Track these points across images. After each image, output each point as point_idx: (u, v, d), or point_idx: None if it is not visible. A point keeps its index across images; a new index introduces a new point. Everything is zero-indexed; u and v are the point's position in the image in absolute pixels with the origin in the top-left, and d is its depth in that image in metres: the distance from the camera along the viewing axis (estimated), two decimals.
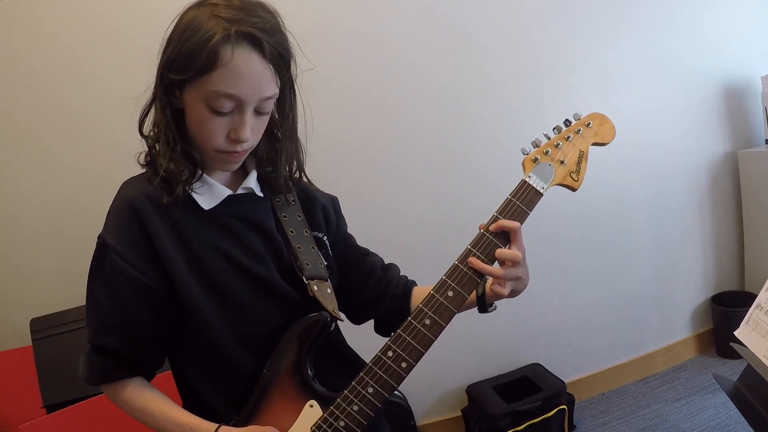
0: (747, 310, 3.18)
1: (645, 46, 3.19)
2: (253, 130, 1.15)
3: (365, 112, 2.83)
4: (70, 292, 2.58)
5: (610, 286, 3.29)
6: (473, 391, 3.00)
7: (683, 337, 3.52)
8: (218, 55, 1.04)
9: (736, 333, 1.47)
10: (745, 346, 1.45)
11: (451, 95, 2.93)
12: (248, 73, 1.07)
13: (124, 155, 2.63)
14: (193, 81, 1.08)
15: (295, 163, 1.32)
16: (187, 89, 1.11)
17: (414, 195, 2.93)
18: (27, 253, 2.70)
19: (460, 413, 3.10)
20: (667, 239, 3.39)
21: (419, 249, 2.78)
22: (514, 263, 1.19)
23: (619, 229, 3.26)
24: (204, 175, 1.21)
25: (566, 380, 2.99)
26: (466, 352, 3.02)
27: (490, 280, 1.24)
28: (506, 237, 1.20)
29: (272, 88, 1.13)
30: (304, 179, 1.36)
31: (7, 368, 2.57)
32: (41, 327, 2.47)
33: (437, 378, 3.03)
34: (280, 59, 1.13)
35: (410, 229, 2.90)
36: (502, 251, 1.18)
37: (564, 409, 2.80)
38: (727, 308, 3.41)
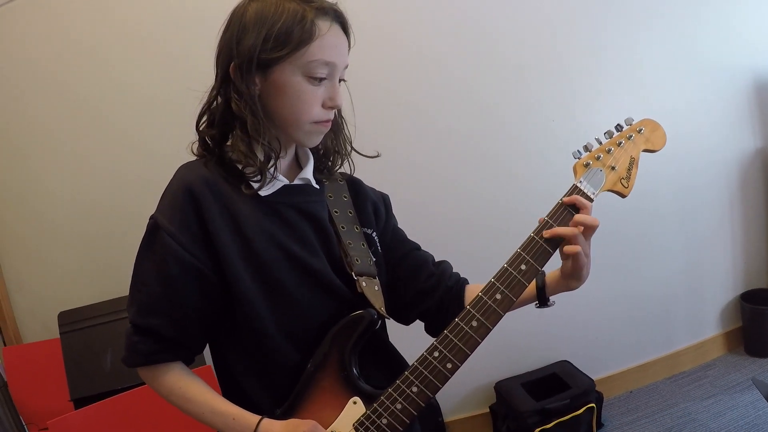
0: None
1: (675, 41, 3.14)
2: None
3: (395, 113, 2.83)
4: (97, 287, 2.62)
5: (638, 282, 3.27)
6: (502, 388, 2.99)
7: (712, 335, 3.48)
8: (316, 27, 1.14)
9: None
10: None
11: (479, 93, 2.91)
12: (338, 42, 1.19)
13: (148, 156, 2.67)
14: (290, 55, 1.14)
15: (346, 145, 1.37)
16: (281, 66, 1.15)
17: (442, 195, 2.93)
18: (56, 249, 2.75)
19: (488, 410, 3.10)
20: (696, 236, 3.35)
21: (447, 247, 2.75)
22: (590, 229, 1.20)
23: (649, 225, 3.23)
24: (277, 160, 1.22)
25: (594, 377, 2.97)
26: (495, 348, 2.97)
27: (548, 274, 1.28)
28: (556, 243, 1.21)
29: (348, 58, 1.24)
30: (351, 165, 1.41)
31: (35, 360, 2.61)
32: (69, 320, 2.50)
33: (466, 374, 2.98)
34: (349, 34, 1.24)
35: (440, 228, 2.89)
36: (579, 216, 1.19)
37: (593, 407, 2.79)
38: (756, 306, 3.37)
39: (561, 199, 1.22)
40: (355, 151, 1.39)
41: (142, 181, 2.49)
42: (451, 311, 1.25)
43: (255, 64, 1.14)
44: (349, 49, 1.24)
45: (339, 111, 1.32)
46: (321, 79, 1.17)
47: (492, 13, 2.87)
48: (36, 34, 2.59)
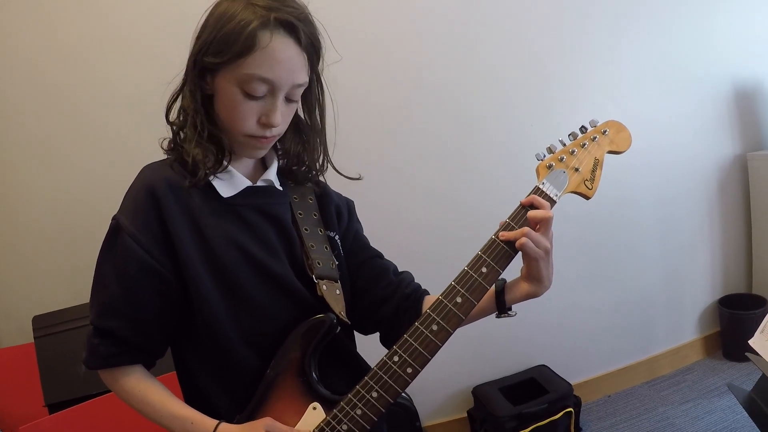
0: (754, 313, 3.19)
1: (654, 49, 3.17)
2: (282, 116, 1.16)
3: (371, 116, 2.81)
4: (73, 289, 2.58)
5: (617, 288, 3.28)
6: (479, 392, 2.98)
7: (690, 340, 3.51)
8: (256, 39, 1.07)
9: (750, 342, 1.45)
10: (760, 356, 1.43)
11: (459, 97, 2.91)
12: (284, 58, 1.10)
13: (128, 155, 2.65)
14: (228, 65, 1.10)
15: (321, 157, 1.32)
16: (221, 73, 1.12)
17: (417, 199, 2.92)
18: (31, 250, 2.70)
19: (465, 414, 3.09)
20: (675, 241, 3.38)
21: (422, 253, 2.75)
22: (545, 223, 1.17)
23: (627, 231, 3.24)
24: (228, 164, 1.20)
25: (572, 382, 2.97)
26: (473, 353, 3.01)
27: (509, 280, 1.25)
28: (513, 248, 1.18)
29: (303, 76, 1.15)
30: (323, 178, 1.37)
31: (9, 365, 2.56)
32: (43, 324, 2.45)
33: (443, 379, 3.02)
34: (313, 48, 1.16)
35: (415, 233, 2.89)
36: (532, 212, 1.17)
37: (571, 411, 2.79)
38: (734, 311, 3.39)
39: (521, 201, 1.21)
40: (335, 170, 1.35)
41: (124, 183, 2.46)
42: (407, 320, 1.23)
43: (199, 65, 1.13)
44: (312, 65, 1.18)
45: (320, 121, 1.29)
46: (260, 96, 1.13)
47: (471, 18, 2.87)
48: (15, 30, 2.55)
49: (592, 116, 2.70)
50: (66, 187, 2.67)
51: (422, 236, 2.91)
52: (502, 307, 1.25)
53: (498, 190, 2.94)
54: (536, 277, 1.20)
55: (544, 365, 3.12)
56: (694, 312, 3.51)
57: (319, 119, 1.29)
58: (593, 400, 3.25)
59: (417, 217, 2.91)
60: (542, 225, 1.17)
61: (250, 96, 1.12)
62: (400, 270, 1.44)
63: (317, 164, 1.33)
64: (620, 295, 3.29)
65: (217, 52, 1.10)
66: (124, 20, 2.58)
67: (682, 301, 3.47)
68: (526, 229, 1.16)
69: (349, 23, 2.69)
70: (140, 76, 2.59)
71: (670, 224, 3.34)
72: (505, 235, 1.17)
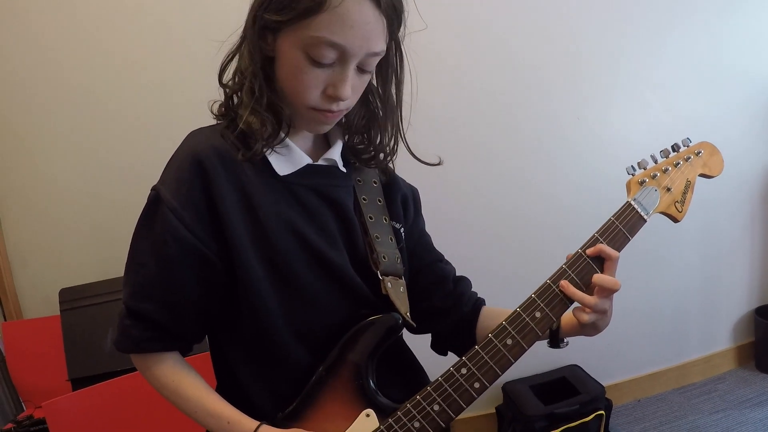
0: None
1: (701, 45, 3.07)
2: (353, 89, 1.02)
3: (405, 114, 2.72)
4: (102, 264, 2.56)
5: (654, 292, 3.20)
6: (510, 389, 2.92)
7: (723, 348, 3.43)
8: None
9: None
10: None
11: (497, 98, 2.84)
12: (359, 21, 0.94)
13: (155, 134, 2.63)
14: (292, 24, 0.95)
15: (391, 139, 1.17)
16: (283, 34, 0.98)
17: (454, 200, 2.85)
18: (62, 223, 2.68)
19: (494, 410, 3.04)
20: (714, 248, 3.29)
21: (471, 258, 2.70)
22: (609, 292, 1.08)
23: (666, 236, 3.14)
24: (286, 136, 1.07)
25: (604, 383, 2.90)
26: None
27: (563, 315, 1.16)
28: (600, 263, 1.10)
29: (381, 44, 1.00)
30: (392, 165, 1.25)
31: (35, 336, 2.56)
32: (70, 298, 2.44)
33: None
34: (394, 12, 1.00)
35: (463, 238, 2.83)
36: (600, 276, 1.08)
37: (602, 414, 2.72)
38: None
39: (583, 250, 1.11)
40: (410, 152, 1.20)
41: (162, 152, 2.44)
42: (462, 336, 1.18)
43: (259, 22, 0.99)
44: (392, 32, 1.02)
45: (396, 96, 1.14)
46: (327, 63, 0.98)
47: (515, 19, 2.80)
48: (39, 20, 2.52)
49: (634, 115, 2.61)
50: (99, 156, 2.64)
51: (455, 237, 2.81)
52: (555, 342, 1.19)
53: (537, 193, 2.88)
54: (594, 327, 1.13)
55: (576, 365, 3.05)
56: (728, 320, 3.43)
57: (395, 94, 1.13)
58: (623, 404, 3.19)
59: (455, 218, 2.84)
60: (606, 291, 1.09)
61: (316, 63, 0.97)
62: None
63: (386, 147, 1.17)
64: (656, 299, 3.21)
65: (279, 9, 0.95)
66: (154, 8, 2.54)
67: (717, 308, 3.38)
68: (595, 303, 1.07)
69: None
70: (164, 63, 2.56)
71: (710, 229, 3.25)
72: (567, 292, 1.08)
